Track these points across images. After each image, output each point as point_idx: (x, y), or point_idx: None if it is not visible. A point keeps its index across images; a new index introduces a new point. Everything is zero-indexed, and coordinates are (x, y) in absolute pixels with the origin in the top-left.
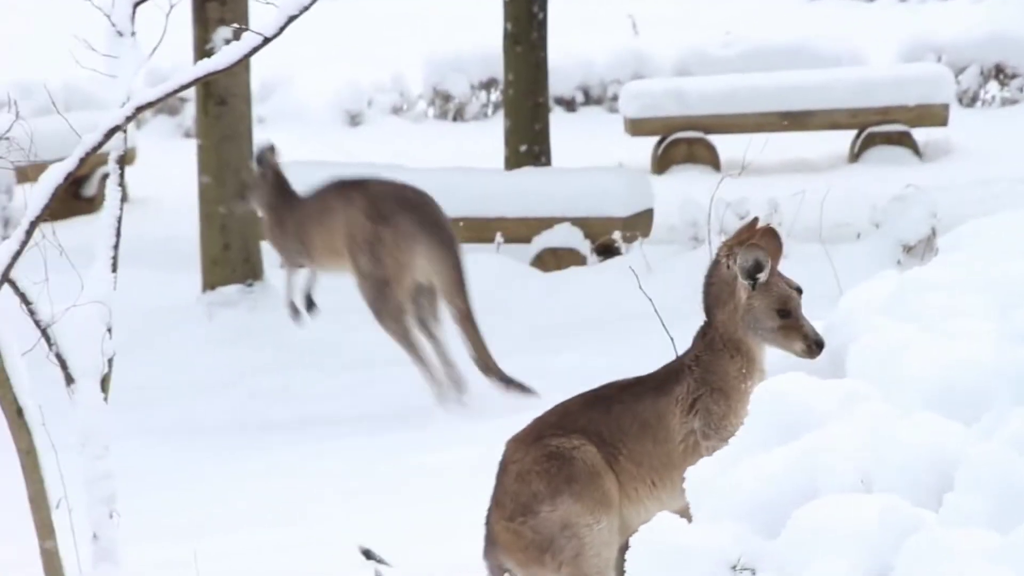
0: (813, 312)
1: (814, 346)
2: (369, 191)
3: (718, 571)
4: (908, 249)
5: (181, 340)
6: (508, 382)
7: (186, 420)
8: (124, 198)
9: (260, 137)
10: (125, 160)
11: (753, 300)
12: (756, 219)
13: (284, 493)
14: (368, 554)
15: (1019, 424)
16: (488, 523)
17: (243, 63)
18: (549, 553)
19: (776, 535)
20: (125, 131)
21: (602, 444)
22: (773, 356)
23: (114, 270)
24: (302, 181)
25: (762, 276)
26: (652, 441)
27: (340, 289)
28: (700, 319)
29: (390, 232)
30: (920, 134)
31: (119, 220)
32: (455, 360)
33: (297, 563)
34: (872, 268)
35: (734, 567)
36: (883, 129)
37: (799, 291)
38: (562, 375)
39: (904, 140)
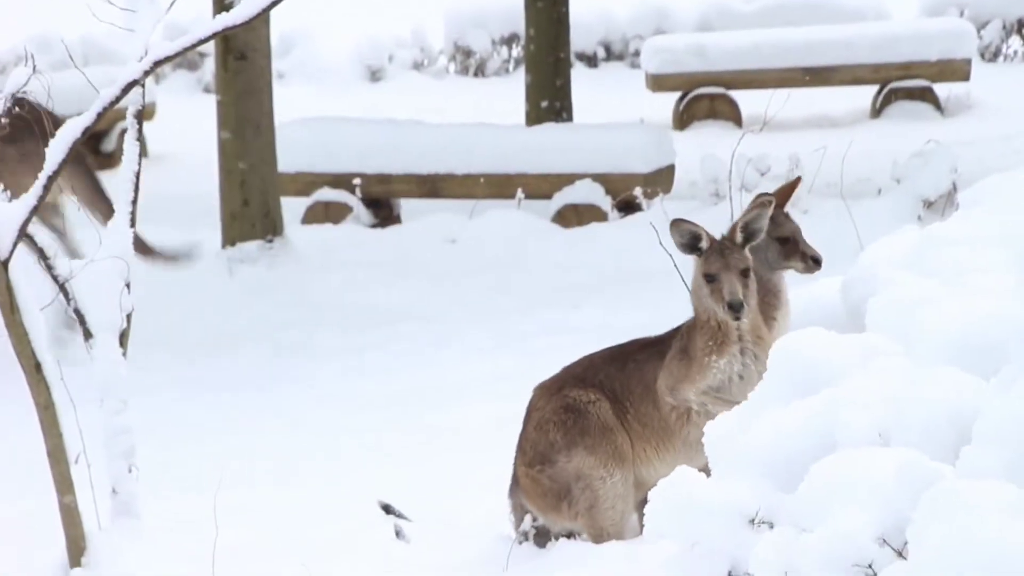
0: (834, 268)
1: (727, 308)
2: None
3: (736, 525)
4: (929, 204)
5: (201, 296)
6: (164, 254)
7: (206, 376)
8: (143, 153)
9: (279, 92)
10: (144, 115)
11: (696, 272)
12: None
13: (304, 448)
14: (388, 509)
15: None
16: (514, 465)
17: (262, 17)
18: (566, 502)
19: (794, 489)
20: (143, 86)
21: (615, 401)
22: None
23: (133, 225)
24: (323, 137)
25: (703, 244)
26: (652, 404)
27: (361, 248)
28: None
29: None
30: (942, 89)
31: (137, 175)
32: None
33: (317, 518)
34: (893, 223)
35: (752, 521)
36: (905, 84)
37: (727, 249)
38: (583, 331)
39: (926, 95)
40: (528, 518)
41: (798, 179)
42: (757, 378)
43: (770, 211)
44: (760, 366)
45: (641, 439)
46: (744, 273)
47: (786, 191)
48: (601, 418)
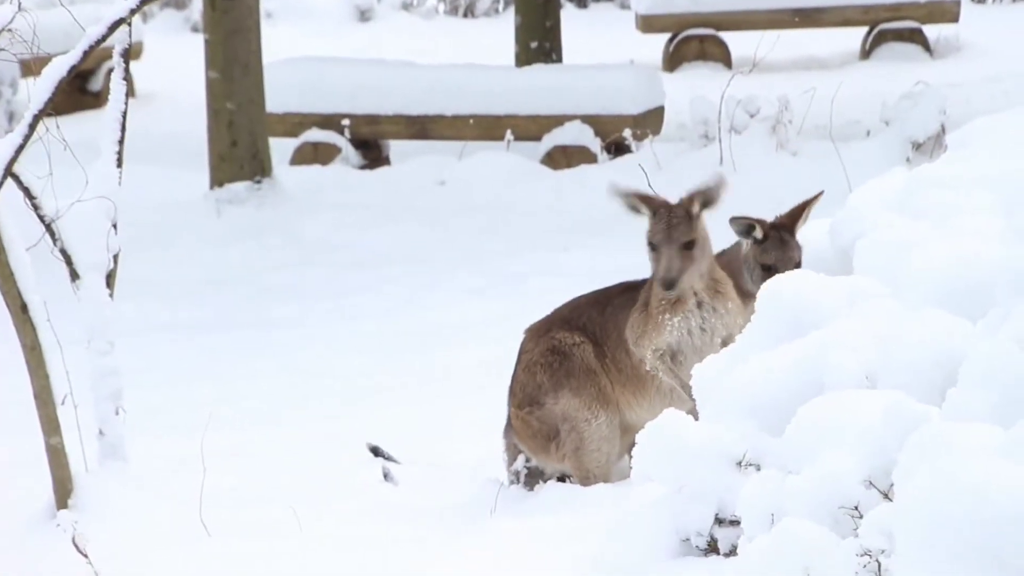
0: (823, 210)
1: (660, 282)
2: None
3: (723, 467)
4: (917, 146)
5: (189, 237)
6: None
7: (193, 317)
8: (130, 93)
9: (268, 32)
10: (131, 54)
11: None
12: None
13: (293, 391)
14: (376, 451)
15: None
16: (508, 406)
17: None
18: (554, 443)
19: (781, 432)
20: (130, 24)
21: (596, 344)
22: None
23: (119, 165)
24: (311, 78)
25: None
26: (625, 351)
27: (350, 189)
28: (709, 217)
29: None
30: (931, 31)
31: (124, 115)
32: None
33: (305, 461)
34: (881, 165)
35: (739, 463)
36: (894, 26)
37: (673, 216)
38: (572, 273)
39: (915, 37)
40: (521, 458)
41: (819, 194)
42: (722, 329)
43: (729, 185)
44: (721, 319)
45: (619, 383)
46: (687, 246)
47: (797, 211)
48: (585, 361)
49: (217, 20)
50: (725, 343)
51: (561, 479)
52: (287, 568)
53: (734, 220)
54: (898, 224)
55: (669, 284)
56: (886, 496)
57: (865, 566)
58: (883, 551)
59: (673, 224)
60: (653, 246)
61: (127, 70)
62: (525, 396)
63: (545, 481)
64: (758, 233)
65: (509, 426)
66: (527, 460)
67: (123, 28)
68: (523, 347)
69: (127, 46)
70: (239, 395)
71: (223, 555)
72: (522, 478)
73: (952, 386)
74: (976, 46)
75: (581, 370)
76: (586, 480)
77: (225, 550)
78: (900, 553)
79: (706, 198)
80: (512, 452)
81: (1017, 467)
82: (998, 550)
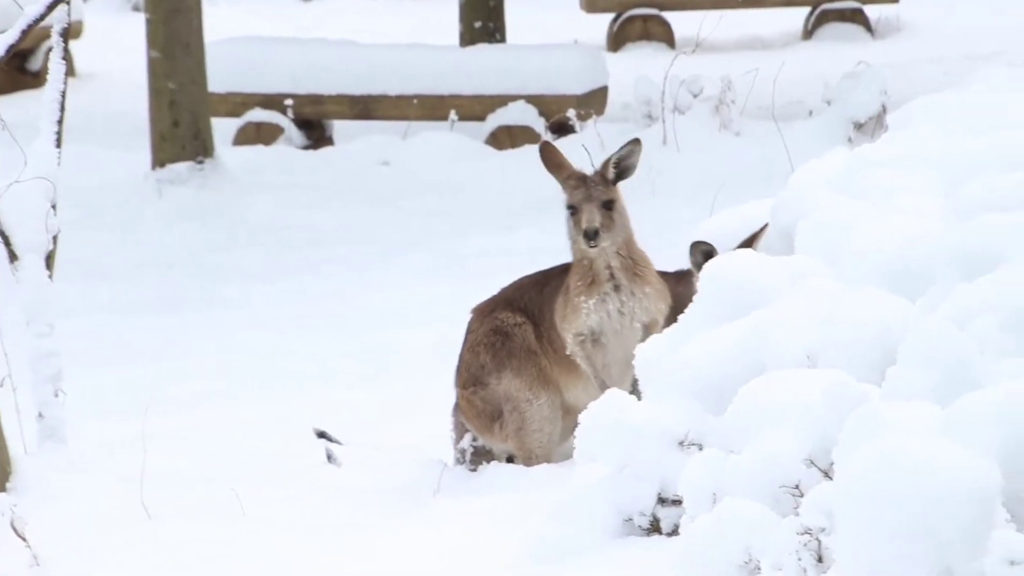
0: (765, 189)
1: (583, 236)
2: None
3: (666, 447)
4: (859, 126)
5: (130, 217)
6: None
7: (135, 298)
8: (69, 72)
9: (210, 12)
10: (70, 33)
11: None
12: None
13: (236, 373)
14: (322, 434)
15: (962, 299)
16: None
17: None
18: (498, 423)
19: (723, 411)
20: (69, 3)
21: (536, 325)
22: None
23: (58, 146)
24: (254, 58)
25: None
26: (558, 332)
27: (293, 170)
28: (653, 197)
29: None
30: (872, 11)
31: (63, 95)
32: None
33: (248, 442)
34: (823, 145)
35: (681, 443)
36: (836, 6)
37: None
38: (518, 253)
39: (857, 17)
40: (468, 436)
41: (765, 226)
42: (642, 314)
43: (640, 149)
44: (640, 303)
45: (557, 364)
46: (607, 205)
47: (747, 244)
48: (526, 341)
49: (158, 1)
50: (648, 329)
51: (509, 459)
52: (229, 551)
53: (696, 245)
54: (839, 204)
55: (592, 235)
56: (826, 475)
57: (805, 544)
58: (823, 529)
59: (591, 185)
60: (573, 208)
61: (66, 49)
62: (469, 376)
63: (490, 462)
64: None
65: (457, 405)
66: (473, 439)
67: (62, 7)
68: (469, 327)
69: (66, 25)
70: (181, 377)
71: (165, 538)
72: (468, 457)
73: (892, 365)
74: (916, 26)
75: (522, 350)
76: (529, 460)
77: (166, 533)
78: (840, 531)
79: (620, 164)
80: (459, 431)
81: (955, 445)
82: (935, 528)
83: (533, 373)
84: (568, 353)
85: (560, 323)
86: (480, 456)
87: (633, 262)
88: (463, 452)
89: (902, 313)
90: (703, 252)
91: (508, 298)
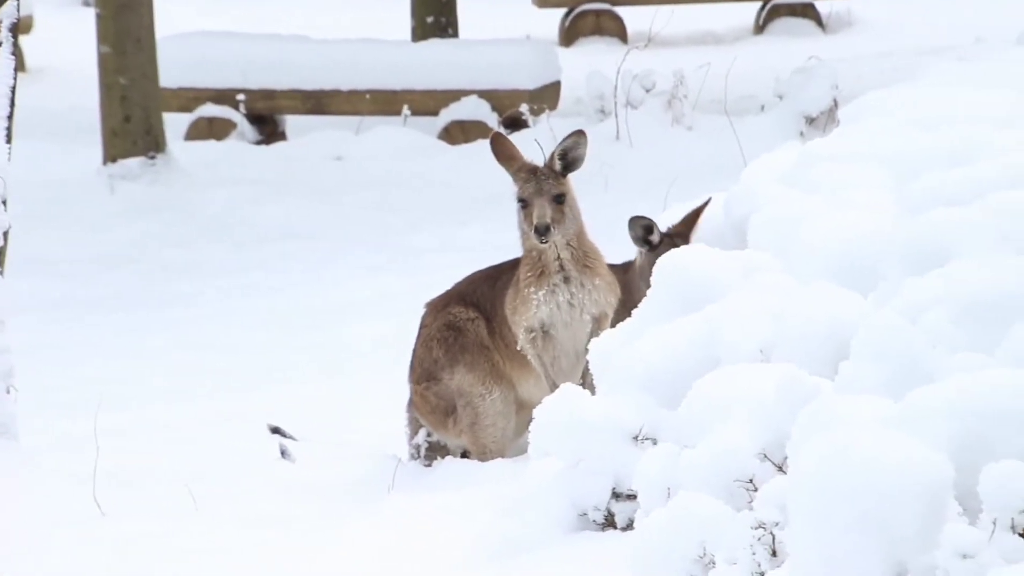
0: (718, 184)
1: (534, 231)
2: None
3: (620, 441)
4: (810, 120)
5: (81, 213)
6: None
7: (87, 294)
8: (19, 67)
9: (161, 7)
10: (20, 28)
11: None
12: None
13: (188, 368)
14: (276, 430)
15: (913, 293)
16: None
17: None
18: (451, 418)
19: (677, 405)
20: None
21: (488, 320)
22: None
23: (8, 141)
24: (205, 53)
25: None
26: (511, 326)
27: (246, 165)
28: (606, 192)
29: None
30: (823, 6)
31: (13, 90)
32: None
33: (201, 438)
34: (775, 140)
35: (635, 437)
36: (787, 1)
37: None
38: (470, 248)
39: (808, 12)
40: (422, 432)
41: (709, 200)
42: (591, 306)
43: (586, 140)
44: (589, 295)
45: (509, 359)
46: (557, 199)
47: (691, 219)
48: (479, 336)
49: None
50: (598, 321)
51: (464, 454)
52: (182, 547)
53: (634, 220)
54: (791, 198)
55: (542, 231)
56: (780, 469)
57: (760, 539)
58: (777, 523)
59: (542, 178)
60: (524, 201)
61: (16, 44)
62: (423, 371)
63: (444, 457)
64: (655, 236)
65: (411, 401)
66: (428, 434)
67: (11, 1)
68: (422, 322)
69: (15, 20)
70: (133, 373)
71: (117, 535)
72: (422, 452)
73: (844, 359)
74: (867, 21)
75: (475, 345)
76: (483, 455)
77: (120, 530)
78: (793, 525)
79: (566, 156)
80: (414, 426)
81: (907, 439)
82: (888, 521)
83: (486, 368)
84: (519, 349)
85: (511, 316)
86: (435, 451)
87: (583, 254)
88: (417, 447)
89: (854, 307)
90: (643, 226)
91: (461, 293)
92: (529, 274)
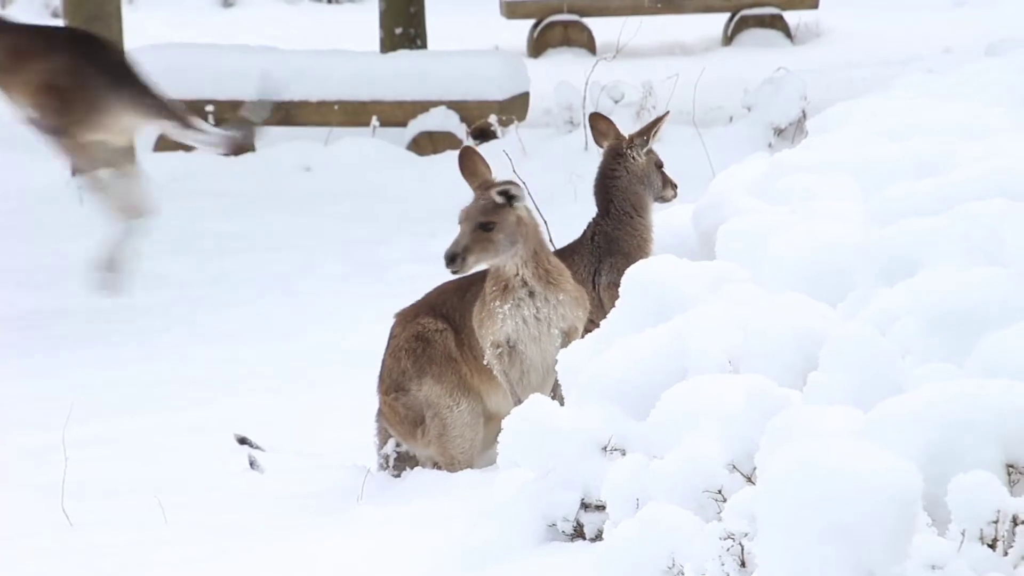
0: (686, 195)
1: (446, 260)
2: None
3: (589, 452)
4: (779, 131)
5: (50, 224)
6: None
7: (55, 306)
8: None
9: (130, 18)
10: None
11: None
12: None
13: (157, 380)
14: (243, 441)
15: (882, 303)
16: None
17: None
18: (420, 429)
19: (646, 416)
20: None
21: (457, 331)
22: None
23: None
24: (174, 64)
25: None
26: (478, 339)
27: (215, 176)
28: (575, 203)
29: None
30: (792, 17)
31: None
32: None
33: (170, 449)
34: (744, 150)
35: (604, 448)
36: (756, 12)
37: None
38: (438, 258)
39: (776, 23)
40: (391, 442)
41: (667, 114)
42: (559, 320)
43: (521, 191)
44: (555, 309)
45: (477, 371)
46: (484, 227)
47: (647, 129)
48: (446, 348)
49: (77, 5)
50: (568, 335)
51: (436, 465)
52: (152, 558)
53: (593, 116)
54: (759, 209)
55: (449, 258)
56: (749, 480)
57: (728, 549)
58: (746, 534)
59: (474, 205)
60: (487, 225)
61: None
62: (391, 382)
63: (413, 468)
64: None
65: (379, 412)
66: (397, 444)
67: None
68: (391, 332)
69: None
70: (102, 385)
71: (86, 546)
72: (391, 462)
73: (813, 370)
74: (836, 32)
75: (443, 357)
76: (451, 466)
77: (88, 541)
78: (762, 536)
79: (507, 194)
80: (383, 436)
81: (876, 449)
82: (856, 532)
83: (454, 380)
84: (485, 363)
85: (478, 329)
86: (404, 461)
87: (545, 271)
88: (387, 457)
89: (823, 318)
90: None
91: (431, 303)
92: (494, 288)
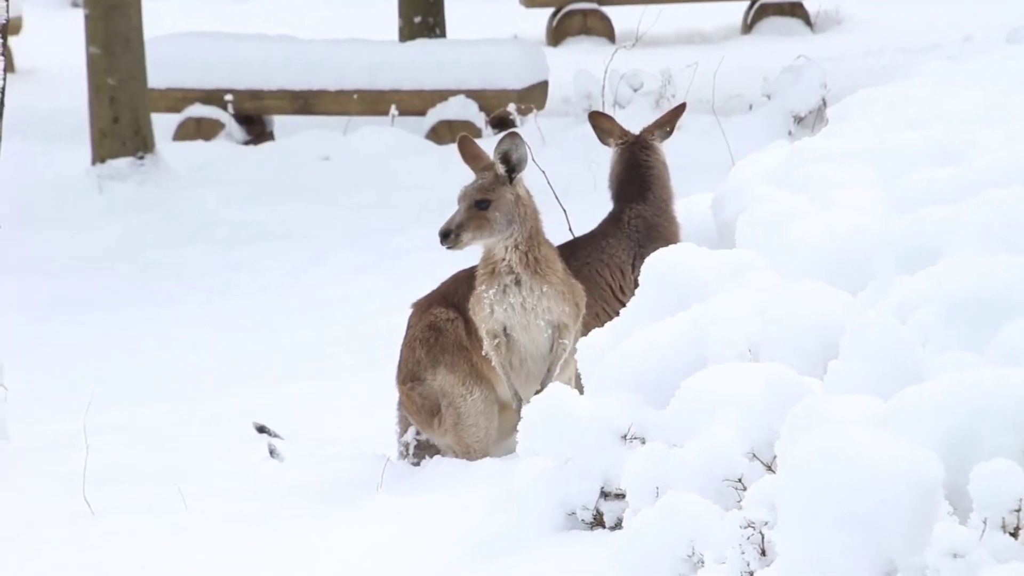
0: (706, 184)
1: (440, 237)
2: None
3: (608, 441)
4: (799, 120)
5: (70, 213)
6: None
7: (76, 294)
8: (9, 68)
9: (149, 8)
10: (9, 29)
11: None
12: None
13: (176, 368)
14: (262, 429)
15: (902, 292)
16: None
17: None
18: (436, 418)
19: (665, 405)
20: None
21: (467, 320)
22: None
23: None
24: (192, 53)
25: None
26: None
27: (234, 165)
28: (594, 191)
29: None
30: (812, 5)
31: (3, 91)
32: None
33: (189, 437)
34: (764, 139)
35: (624, 436)
36: (775, 0)
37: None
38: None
39: (796, 11)
40: (411, 430)
41: (682, 106)
42: (545, 312)
43: (521, 140)
44: (539, 301)
45: (488, 359)
46: (480, 204)
47: (663, 121)
48: (458, 336)
49: None
50: (558, 330)
51: (456, 454)
52: (172, 545)
53: (593, 115)
54: (779, 197)
55: (443, 235)
56: (769, 468)
57: (749, 538)
58: (766, 523)
59: (473, 183)
60: (483, 203)
61: (5, 45)
62: (408, 372)
63: (433, 456)
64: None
65: (400, 400)
66: (417, 433)
67: (0, 3)
68: (409, 322)
69: (5, 20)
70: (122, 373)
71: (108, 533)
72: (411, 450)
73: (833, 358)
74: (856, 20)
75: (454, 346)
76: (467, 455)
77: (110, 528)
78: (782, 525)
79: (508, 158)
80: (403, 424)
81: (896, 438)
82: (877, 521)
83: (466, 368)
84: (484, 353)
85: (474, 318)
86: (424, 450)
87: (535, 259)
88: (407, 445)
89: (843, 306)
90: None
91: (444, 293)
92: (482, 272)
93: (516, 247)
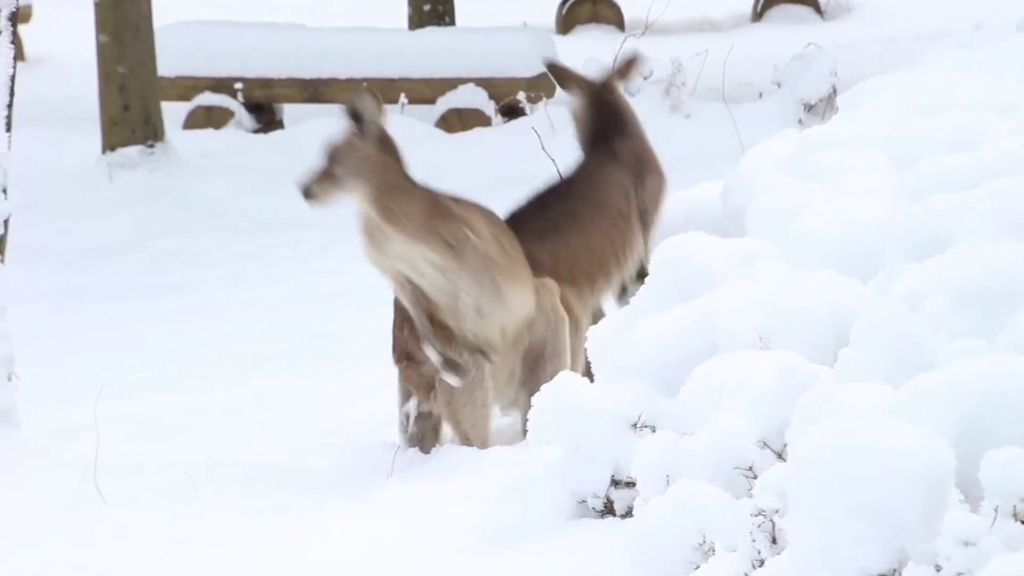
0: (715, 171)
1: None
2: None
3: (618, 429)
4: (809, 108)
5: (80, 202)
6: None
7: (86, 283)
8: (19, 56)
9: None
10: (18, 17)
11: None
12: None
13: (186, 357)
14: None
15: (913, 280)
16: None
17: None
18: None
19: (675, 393)
20: None
21: None
22: None
23: (8, 130)
24: (201, 42)
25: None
26: None
27: (244, 153)
28: None
29: None
30: None
31: (13, 79)
32: None
33: (200, 426)
34: (774, 127)
35: (634, 425)
36: None
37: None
38: None
39: None
40: (413, 401)
41: (635, 56)
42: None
43: (365, 96)
44: (395, 247)
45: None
46: (328, 157)
47: (624, 69)
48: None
49: None
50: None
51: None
52: (184, 534)
53: (551, 67)
54: (789, 186)
55: (301, 190)
56: (780, 456)
57: (759, 526)
58: (777, 511)
59: (328, 142)
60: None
61: (15, 33)
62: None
63: (433, 427)
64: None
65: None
66: (418, 403)
67: None
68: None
69: (15, 9)
70: (132, 362)
71: (120, 522)
72: (412, 419)
73: (844, 346)
74: (866, 7)
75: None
76: (464, 439)
77: (121, 517)
78: (793, 513)
79: (355, 115)
80: (404, 394)
81: (907, 426)
82: (888, 509)
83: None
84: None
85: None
86: (424, 420)
87: (390, 210)
88: (407, 416)
89: (854, 294)
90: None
91: None
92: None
93: (371, 201)
